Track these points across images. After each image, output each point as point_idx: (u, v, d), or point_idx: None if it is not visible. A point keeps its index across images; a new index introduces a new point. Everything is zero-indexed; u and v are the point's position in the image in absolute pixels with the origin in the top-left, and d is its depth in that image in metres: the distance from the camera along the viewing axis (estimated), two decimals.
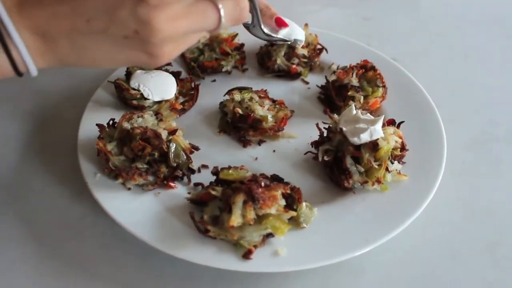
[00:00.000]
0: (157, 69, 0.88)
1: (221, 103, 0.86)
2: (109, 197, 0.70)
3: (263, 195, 0.63)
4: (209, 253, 0.63)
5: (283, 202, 0.65)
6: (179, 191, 0.73)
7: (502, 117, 0.90)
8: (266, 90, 0.87)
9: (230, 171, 0.68)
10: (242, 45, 0.97)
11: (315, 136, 0.77)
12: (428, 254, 0.69)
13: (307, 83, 0.93)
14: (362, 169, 0.71)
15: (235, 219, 0.62)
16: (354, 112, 0.73)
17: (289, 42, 0.85)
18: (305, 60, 0.93)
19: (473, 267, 0.68)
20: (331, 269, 0.65)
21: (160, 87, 0.84)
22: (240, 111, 0.80)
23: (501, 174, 0.80)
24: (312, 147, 0.77)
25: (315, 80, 0.93)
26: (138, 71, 0.85)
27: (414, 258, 0.68)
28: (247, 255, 0.63)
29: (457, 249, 0.70)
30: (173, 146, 0.73)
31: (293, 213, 0.65)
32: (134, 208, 0.70)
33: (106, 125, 0.75)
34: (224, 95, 0.85)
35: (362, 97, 0.83)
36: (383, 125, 0.73)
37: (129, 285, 0.66)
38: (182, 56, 0.95)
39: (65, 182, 0.78)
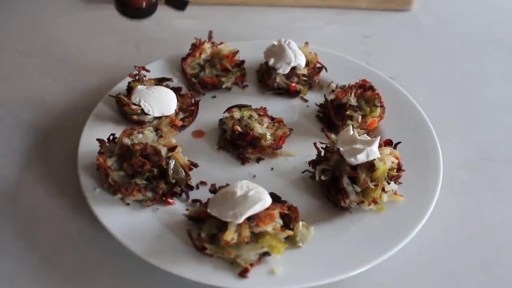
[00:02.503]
0: (157, 84, 0.89)
1: (220, 120, 0.87)
2: (108, 212, 0.71)
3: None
4: (205, 270, 0.64)
5: (280, 222, 0.65)
6: (177, 208, 0.74)
7: (500, 136, 0.91)
8: (265, 107, 0.87)
9: None
10: (243, 62, 0.98)
11: (313, 155, 0.78)
12: (424, 274, 0.69)
13: (306, 101, 0.94)
14: (359, 189, 0.71)
15: (229, 234, 0.63)
16: (351, 132, 0.74)
17: None
18: (305, 78, 0.94)
19: (470, 287, 0.68)
20: None
21: (160, 102, 0.85)
22: (239, 128, 0.81)
23: (497, 193, 0.81)
24: (309, 166, 0.78)
25: (314, 98, 0.94)
26: (139, 86, 0.86)
27: (410, 278, 0.69)
28: (243, 273, 0.63)
29: (454, 269, 0.70)
30: (172, 163, 0.73)
31: (290, 233, 0.66)
32: (132, 224, 0.70)
33: (106, 140, 0.76)
34: (224, 112, 0.86)
35: (360, 117, 0.84)
36: (380, 146, 0.73)
37: None
38: (183, 71, 0.96)
39: (65, 196, 0.78)
